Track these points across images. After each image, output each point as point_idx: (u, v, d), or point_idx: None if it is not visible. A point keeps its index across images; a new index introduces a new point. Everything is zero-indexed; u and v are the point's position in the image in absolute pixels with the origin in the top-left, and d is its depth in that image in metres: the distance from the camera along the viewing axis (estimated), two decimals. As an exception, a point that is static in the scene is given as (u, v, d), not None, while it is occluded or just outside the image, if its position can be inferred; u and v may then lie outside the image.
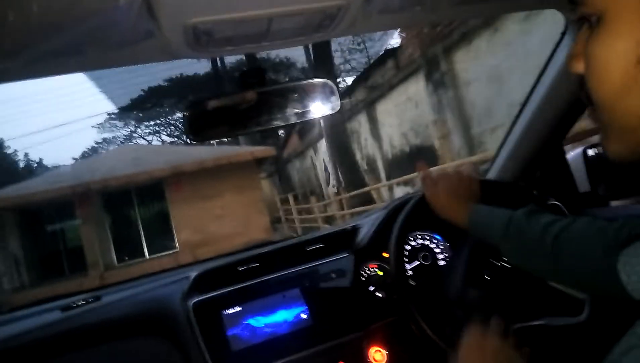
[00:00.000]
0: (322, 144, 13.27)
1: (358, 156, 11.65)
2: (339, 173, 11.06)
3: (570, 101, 1.11)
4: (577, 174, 1.25)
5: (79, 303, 1.11)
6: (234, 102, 0.89)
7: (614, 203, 1.27)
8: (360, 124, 11.26)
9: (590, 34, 0.40)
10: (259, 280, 1.12)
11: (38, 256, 11.85)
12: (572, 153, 1.26)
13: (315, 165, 15.97)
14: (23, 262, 11.53)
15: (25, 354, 1.00)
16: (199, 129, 0.88)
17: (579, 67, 0.43)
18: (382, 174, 10.62)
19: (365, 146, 11.37)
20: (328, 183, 14.12)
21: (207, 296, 1.08)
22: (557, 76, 1.07)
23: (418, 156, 8.49)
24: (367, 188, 10.05)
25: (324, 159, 14.21)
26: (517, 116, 1.22)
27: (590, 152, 1.23)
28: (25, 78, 0.70)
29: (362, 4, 0.68)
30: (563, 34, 1.02)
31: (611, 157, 0.42)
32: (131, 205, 11.96)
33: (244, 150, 12.19)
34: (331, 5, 0.66)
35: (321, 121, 11.29)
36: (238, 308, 1.06)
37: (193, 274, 1.14)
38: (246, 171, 11.79)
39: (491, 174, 1.31)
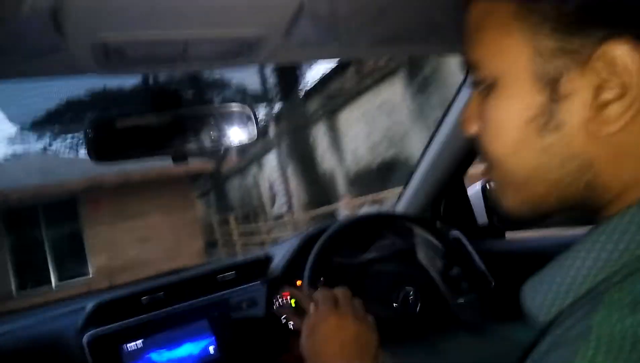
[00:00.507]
0: (269, 160, 12.56)
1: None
2: (297, 191, 10.37)
3: (470, 141, 1.21)
4: (477, 208, 1.35)
5: None
6: (145, 123, 0.85)
7: (508, 235, 1.39)
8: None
9: (485, 97, 0.43)
10: (164, 311, 1.06)
11: None
12: (472, 188, 1.37)
13: (258, 183, 15.16)
14: None
15: None
16: (102, 150, 0.82)
17: (472, 128, 0.46)
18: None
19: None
20: (273, 203, 13.29)
21: (104, 329, 1.00)
22: (459, 118, 1.16)
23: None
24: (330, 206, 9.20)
25: (269, 177, 13.37)
26: (423, 154, 1.30)
27: (487, 187, 1.34)
28: None
29: (282, 35, 0.69)
30: (464, 78, 1.11)
31: (508, 212, 0.45)
32: (37, 223, 10.05)
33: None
34: (250, 34, 0.66)
35: (270, 133, 10.62)
36: (139, 342, 0.99)
37: (90, 305, 1.05)
38: (179, 188, 10.59)
39: (399, 208, 1.37)
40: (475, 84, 0.44)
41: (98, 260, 9.92)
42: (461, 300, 1.04)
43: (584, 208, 0.41)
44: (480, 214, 1.35)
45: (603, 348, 0.30)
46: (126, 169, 9.58)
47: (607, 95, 0.36)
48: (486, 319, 1.03)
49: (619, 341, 0.30)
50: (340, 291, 0.73)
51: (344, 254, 1.14)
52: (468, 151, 1.25)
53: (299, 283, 1.11)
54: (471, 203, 1.35)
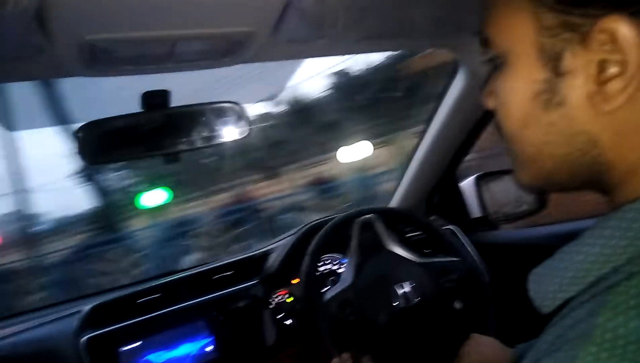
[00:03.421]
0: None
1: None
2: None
3: (462, 134, 1.22)
4: (470, 201, 1.36)
5: None
6: (136, 123, 0.85)
7: (503, 227, 1.40)
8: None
9: (497, 74, 0.44)
10: (161, 312, 1.05)
11: None
12: (465, 181, 1.37)
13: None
14: None
15: None
16: (94, 152, 0.82)
17: (490, 103, 0.47)
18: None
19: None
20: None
21: (101, 331, 0.99)
22: (450, 112, 1.16)
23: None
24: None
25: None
26: (415, 149, 1.30)
27: (481, 180, 1.34)
28: None
29: (270, 32, 0.69)
30: (453, 73, 1.11)
31: (521, 186, 0.46)
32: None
33: None
34: (238, 32, 0.66)
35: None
36: (137, 344, 0.99)
37: (86, 307, 1.04)
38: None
39: (393, 203, 1.37)
40: (489, 61, 0.45)
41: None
42: (458, 305, 1.03)
43: (595, 187, 0.42)
44: (474, 207, 1.35)
45: (604, 354, 0.30)
46: None
47: (608, 71, 0.36)
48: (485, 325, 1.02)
49: (623, 345, 0.30)
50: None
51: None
52: (461, 144, 1.25)
53: (295, 280, 1.11)
54: (465, 196, 1.36)
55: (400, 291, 0.99)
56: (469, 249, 1.25)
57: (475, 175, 1.35)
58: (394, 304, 0.98)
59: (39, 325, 1.04)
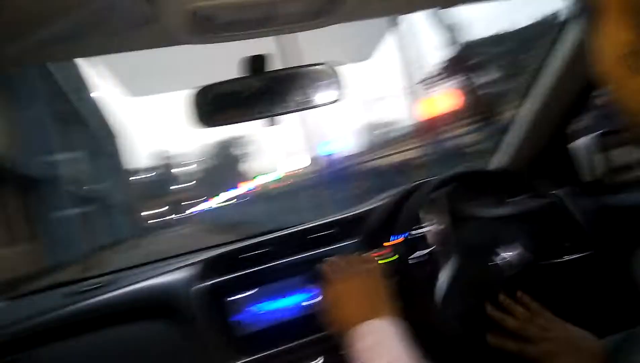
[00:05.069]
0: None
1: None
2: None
3: (576, 88, 1.10)
4: (583, 163, 1.24)
5: (84, 289, 1.12)
6: (241, 88, 0.89)
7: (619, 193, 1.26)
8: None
9: (589, 26, 0.41)
10: (264, 267, 1.12)
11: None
12: (578, 141, 1.25)
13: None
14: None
15: (33, 338, 1.02)
16: (206, 115, 0.88)
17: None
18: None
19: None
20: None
21: (211, 282, 1.08)
22: (562, 64, 1.06)
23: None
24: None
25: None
26: (521, 105, 1.21)
27: (596, 141, 1.22)
28: (26, 64, 0.70)
29: None
30: (565, 22, 1.01)
31: (632, 143, 0.43)
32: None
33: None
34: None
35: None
36: (242, 295, 1.07)
37: (197, 261, 1.14)
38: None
39: (494, 164, 1.30)
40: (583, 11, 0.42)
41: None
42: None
43: None
44: (587, 169, 1.24)
45: None
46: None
47: None
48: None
49: None
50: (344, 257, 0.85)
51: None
52: (572, 100, 1.14)
53: (396, 240, 1.11)
54: (576, 157, 1.24)
55: (506, 254, 0.96)
56: (578, 217, 1.16)
57: (591, 135, 1.23)
58: (501, 266, 0.96)
59: (154, 276, 1.16)
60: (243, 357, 1.01)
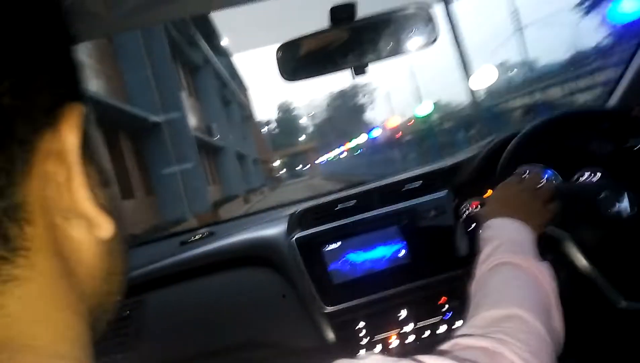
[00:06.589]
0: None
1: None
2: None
3: None
4: None
5: (196, 238, 1.25)
6: (325, 40, 0.88)
7: None
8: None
9: None
10: (357, 218, 1.14)
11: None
12: None
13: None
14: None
15: (148, 282, 1.15)
16: (291, 69, 0.89)
17: None
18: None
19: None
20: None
21: (308, 232, 1.13)
22: None
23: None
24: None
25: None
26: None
27: None
28: (122, 30, 0.76)
29: None
30: None
31: None
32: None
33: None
34: None
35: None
36: (338, 244, 1.10)
37: (295, 211, 1.20)
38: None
39: (611, 102, 1.14)
40: None
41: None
42: None
43: None
44: None
45: None
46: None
47: None
48: None
49: None
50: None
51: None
52: None
53: (489, 192, 1.05)
54: None
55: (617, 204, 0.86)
56: None
57: None
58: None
59: (259, 224, 1.25)
60: (339, 304, 1.06)
